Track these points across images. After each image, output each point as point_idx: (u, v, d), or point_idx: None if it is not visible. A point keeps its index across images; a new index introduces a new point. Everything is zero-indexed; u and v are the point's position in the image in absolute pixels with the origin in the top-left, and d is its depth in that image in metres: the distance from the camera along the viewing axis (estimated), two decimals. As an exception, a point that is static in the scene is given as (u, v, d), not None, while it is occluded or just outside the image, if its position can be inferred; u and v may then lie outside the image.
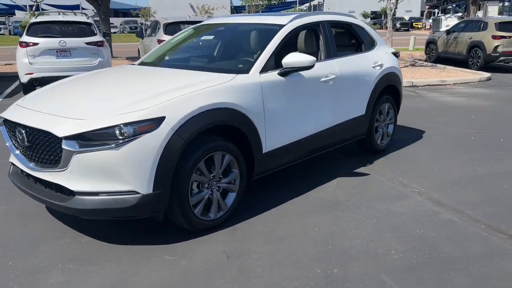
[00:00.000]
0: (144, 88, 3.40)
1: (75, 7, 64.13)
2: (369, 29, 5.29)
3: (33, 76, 9.00)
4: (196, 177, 3.23)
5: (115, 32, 46.57)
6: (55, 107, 3.23)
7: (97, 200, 2.94)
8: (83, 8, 65.59)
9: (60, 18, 10.21)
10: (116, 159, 2.87)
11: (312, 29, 4.44)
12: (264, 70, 3.74)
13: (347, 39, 5.19)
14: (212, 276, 2.82)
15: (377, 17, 62.81)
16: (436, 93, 10.20)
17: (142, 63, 4.58)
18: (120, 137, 2.87)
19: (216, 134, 3.38)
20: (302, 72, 3.98)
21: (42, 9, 65.68)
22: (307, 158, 4.42)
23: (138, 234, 3.38)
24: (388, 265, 2.95)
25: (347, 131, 4.75)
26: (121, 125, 2.88)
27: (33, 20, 9.83)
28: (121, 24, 53.37)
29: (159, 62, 4.52)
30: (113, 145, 2.85)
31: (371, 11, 62.62)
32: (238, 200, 3.61)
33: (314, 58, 3.86)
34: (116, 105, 3.06)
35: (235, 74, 3.59)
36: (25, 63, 9.08)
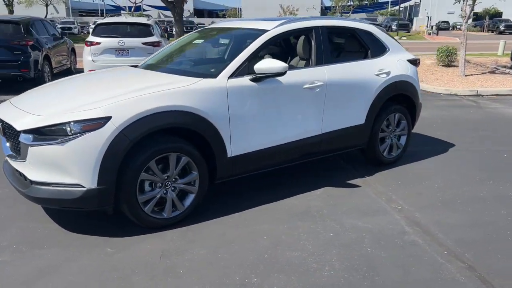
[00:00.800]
0: (109, 89, 3.62)
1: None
2: (380, 34, 5.04)
3: (95, 72, 9.81)
4: (147, 176, 3.38)
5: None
6: (30, 105, 3.57)
7: (49, 190, 3.22)
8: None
9: (123, 19, 10.99)
10: (63, 154, 3.12)
11: (302, 34, 4.38)
12: (235, 75, 3.78)
13: (349, 45, 5.01)
14: (135, 272, 2.95)
15: (478, 19, 58.41)
16: (500, 104, 9.33)
17: (144, 65, 4.83)
18: (70, 134, 3.11)
19: (177, 136, 3.51)
20: (280, 78, 3.96)
21: (143, 10, 70.37)
22: (290, 164, 4.37)
23: (100, 225, 3.61)
24: (312, 281, 2.86)
25: (342, 139, 4.60)
26: (71, 123, 3.12)
27: (100, 21, 10.70)
28: (198, 24, 54.38)
29: (152, 64, 4.73)
30: (60, 140, 3.10)
31: (473, 13, 58.31)
32: (198, 201, 3.69)
33: (286, 65, 3.82)
34: (74, 105, 3.31)
35: (200, 78, 3.68)
36: (88, 61, 9.94)
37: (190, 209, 3.66)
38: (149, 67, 4.61)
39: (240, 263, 3.06)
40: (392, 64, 4.93)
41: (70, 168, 3.14)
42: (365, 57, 4.94)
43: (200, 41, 5.07)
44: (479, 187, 4.53)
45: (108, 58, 9.91)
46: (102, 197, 3.22)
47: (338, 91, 4.42)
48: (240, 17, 46.39)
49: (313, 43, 4.40)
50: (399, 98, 5.14)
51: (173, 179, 3.54)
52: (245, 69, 3.85)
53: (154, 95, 3.39)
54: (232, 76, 3.77)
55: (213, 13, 69.97)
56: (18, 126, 3.22)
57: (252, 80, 3.81)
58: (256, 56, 4.00)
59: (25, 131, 3.19)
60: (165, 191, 3.51)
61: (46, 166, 3.19)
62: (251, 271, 2.97)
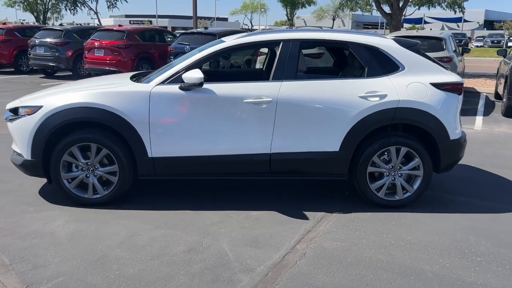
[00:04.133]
0: (69, 86, 4.45)
1: (457, 20, 63.34)
2: (394, 50, 4.17)
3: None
4: (69, 158, 4.07)
5: (478, 46, 43.72)
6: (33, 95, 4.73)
7: (14, 156, 4.31)
8: (465, 21, 63.99)
9: (413, 33, 10.93)
10: (12, 130, 4.16)
11: (268, 48, 4.18)
12: (167, 82, 4.04)
13: (339, 61, 4.33)
14: (6, 241, 3.68)
15: None
16: None
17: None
18: (19, 116, 4.12)
19: (106, 131, 4.05)
20: (214, 89, 3.99)
21: (425, 22, 68.01)
22: (237, 177, 4.26)
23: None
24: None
25: (304, 164, 4.14)
26: (20, 107, 4.12)
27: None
28: (479, 37, 48.19)
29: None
30: (14, 119, 4.13)
31: None
32: (121, 191, 4.14)
33: (200, 77, 3.84)
34: (37, 95, 4.30)
35: (132, 82, 4.13)
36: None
37: (108, 196, 4.14)
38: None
39: (84, 262, 3.43)
40: (394, 86, 4.05)
41: (18, 140, 4.15)
42: (360, 75, 4.23)
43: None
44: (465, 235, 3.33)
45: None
46: (34, 167, 4.11)
47: (295, 110, 4.02)
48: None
49: (276, 57, 4.12)
50: (411, 130, 4.17)
51: (95, 166, 4.11)
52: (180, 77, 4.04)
53: (81, 93, 4.06)
54: (163, 83, 4.04)
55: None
56: (7, 106, 4.43)
57: (181, 88, 3.98)
58: (198, 65, 4.11)
59: (9, 110, 4.36)
60: (86, 175, 4.13)
61: (13, 138, 4.29)
62: (78, 266, 3.31)
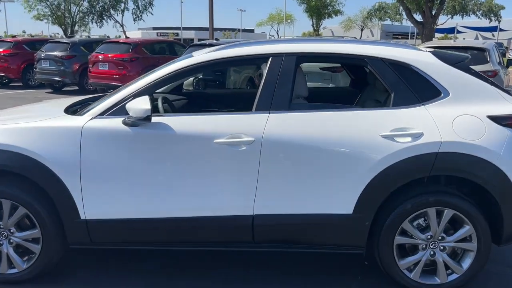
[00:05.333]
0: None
1: (492, 29, 60.98)
2: (433, 69, 2.88)
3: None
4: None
5: None
6: None
7: None
8: (501, 30, 61.50)
9: (451, 43, 9.45)
10: None
11: (247, 64, 2.96)
12: (108, 114, 2.87)
13: (355, 80, 3.06)
14: None
15: None
16: None
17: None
18: None
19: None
20: (173, 124, 2.80)
21: (457, 31, 65.93)
22: (204, 248, 3.04)
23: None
24: None
25: (302, 232, 2.89)
26: None
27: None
28: None
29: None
30: None
31: None
32: (41, 263, 2.96)
33: (146, 109, 2.65)
34: None
35: (63, 114, 2.97)
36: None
37: (32, 270, 2.96)
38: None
39: None
40: (434, 121, 2.76)
41: None
42: (384, 104, 2.96)
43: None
44: None
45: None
46: None
47: (288, 155, 2.77)
48: None
49: (263, 79, 2.89)
50: (459, 183, 2.88)
51: (10, 231, 2.95)
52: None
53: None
54: (102, 115, 2.87)
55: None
56: None
57: (126, 123, 2.80)
58: (151, 90, 2.92)
59: None
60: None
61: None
62: None
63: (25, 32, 69.50)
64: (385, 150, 2.72)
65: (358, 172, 2.75)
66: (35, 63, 14.32)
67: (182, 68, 2.93)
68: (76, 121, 2.86)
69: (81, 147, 2.80)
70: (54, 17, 50.86)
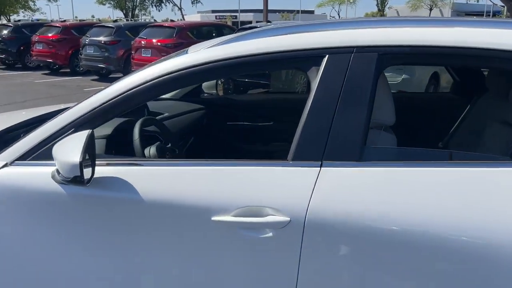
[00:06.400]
0: None
1: None
2: None
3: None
4: None
5: None
6: None
7: None
8: None
9: None
10: None
11: (277, 68, 1.76)
12: (32, 157, 1.62)
13: (459, 87, 1.59)
14: None
15: None
16: None
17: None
18: None
19: None
20: (136, 182, 1.50)
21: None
22: None
23: None
24: None
25: None
26: None
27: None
28: None
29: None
30: None
31: None
32: None
33: (76, 162, 1.36)
34: None
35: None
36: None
37: None
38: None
39: None
40: None
41: None
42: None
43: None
44: None
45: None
46: None
47: (355, 245, 1.40)
48: None
49: (310, 98, 1.50)
50: None
51: None
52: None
53: None
54: (22, 158, 1.62)
55: None
56: None
57: (55, 179, 1.53)
58: (105, 117, 1.62)
59: None
60: None
61: None
62: None
63: (93, 17, 71.53)
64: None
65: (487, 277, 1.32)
66: (81, 49, 13.64)
67: (152, 79, 1.58)
68: (-22, 170, 1.63)
69: (-16, 215, 1.58)
70: (116, 1, 51.66)
